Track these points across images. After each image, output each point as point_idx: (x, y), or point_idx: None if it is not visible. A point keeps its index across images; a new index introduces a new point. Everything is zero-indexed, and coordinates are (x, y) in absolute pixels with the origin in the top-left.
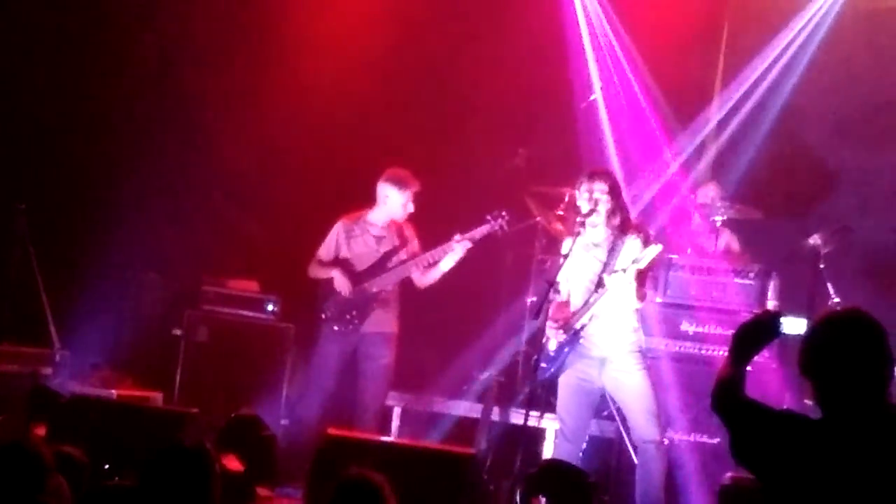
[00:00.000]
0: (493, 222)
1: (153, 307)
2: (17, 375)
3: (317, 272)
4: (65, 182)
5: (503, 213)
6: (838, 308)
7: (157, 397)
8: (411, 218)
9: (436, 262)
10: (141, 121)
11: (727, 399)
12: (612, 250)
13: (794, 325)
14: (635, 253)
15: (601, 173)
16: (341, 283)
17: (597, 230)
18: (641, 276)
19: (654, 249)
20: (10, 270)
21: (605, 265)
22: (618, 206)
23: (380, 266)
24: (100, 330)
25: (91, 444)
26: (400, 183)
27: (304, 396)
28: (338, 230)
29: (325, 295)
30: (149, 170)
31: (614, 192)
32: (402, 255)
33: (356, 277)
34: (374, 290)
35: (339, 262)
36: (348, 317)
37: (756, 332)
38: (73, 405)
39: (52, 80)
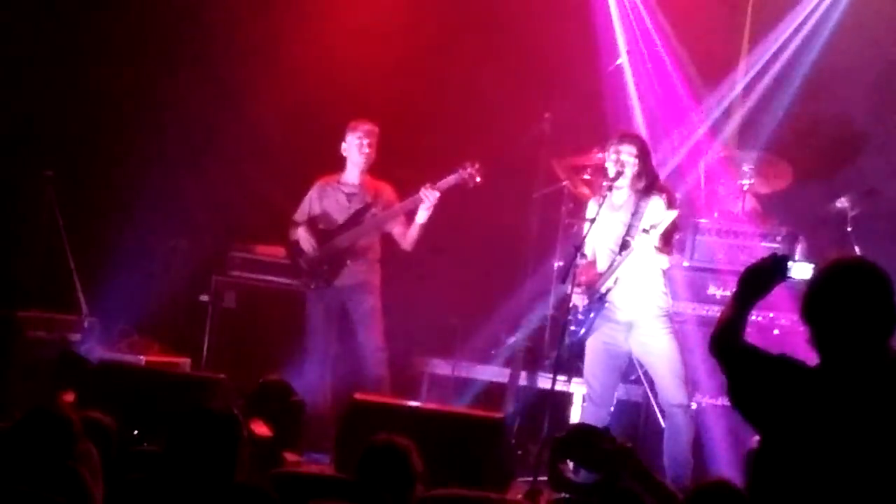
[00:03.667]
0: (461, 171)
1: (181, 273)
2: (46, 342)
3: (292, 234)
4: (92, 149)
5: (474, 163)
6: (845, 256)
7: (185, 363)
8: (391, 177)
9: (409, 216)
10: (169, 87)
11: (725, 342)
12: (636, 212)
13: (803, 270)
14: (659, 212)
15: (630, 136)
16: (305, 241)
17: (621, 192)
18: (666, 237)
19: (670, 215)
20: (39, 237)
21: (629, 227)
22: (644, 170)
23: (351, 222)
24: (127, 296)
25: (119, 410)
26: (348, 127)
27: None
28: (312, 191)
29: (296, 255)
30: (176, 136)
31: (642, 155)
32: (375, 211)
33: (326, 234)
34: (345, 244)
35: (309, 221)
36: (319, 270)
37: (762, 275)
38: (102, 371)
39: (78, 46)
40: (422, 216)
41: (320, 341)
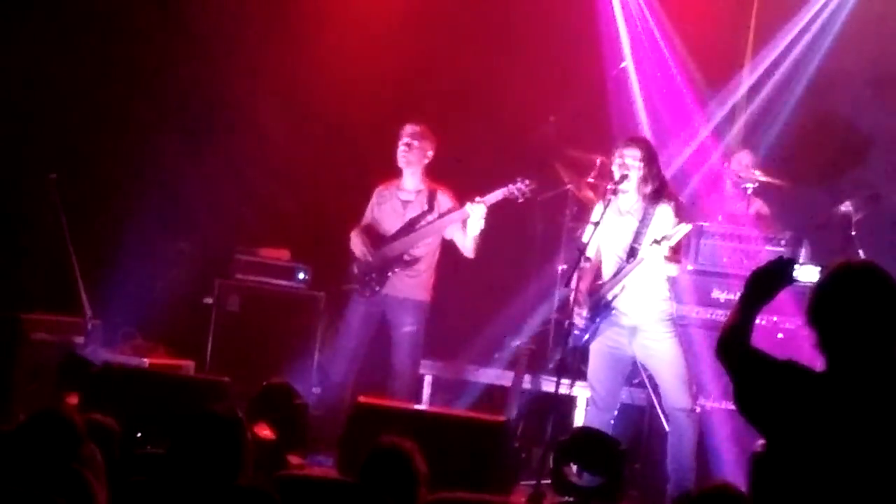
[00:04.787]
0: (511, 186)
1: (185, 276)
2: (50, 344)
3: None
4: (97, 151)
5: (525, 179)
6: (853, 260)
7: (189, 366)
8: (447, 184)
9: (460, 226)
10: (174, 90)
11: (732, 346)
12: (644, 219)
13: (809, 273)
14: (668, 220)
15: (636, 140)
16: (356, 246)
17: (628, 197)
18: (676, 247)
19: (683, 228)
20: (43, 240)
21: (637, 234)
22: (651, 174)
23: (403, 230)
24: (131, 299)
25: (123, 413)
26: None
27: (333, 362)
28: (373, 196)
29: (351, 260)
30: (181, 139)
31: (648, 159)
32: (430, 219)
33: (379, 241)
34: (395, 253)
35: (365, 227)
36: (367, 279)
37: (768, 278)
38: (106, 374)
39: (84, 49)
40: (473, 229)
41: (351, 344)
